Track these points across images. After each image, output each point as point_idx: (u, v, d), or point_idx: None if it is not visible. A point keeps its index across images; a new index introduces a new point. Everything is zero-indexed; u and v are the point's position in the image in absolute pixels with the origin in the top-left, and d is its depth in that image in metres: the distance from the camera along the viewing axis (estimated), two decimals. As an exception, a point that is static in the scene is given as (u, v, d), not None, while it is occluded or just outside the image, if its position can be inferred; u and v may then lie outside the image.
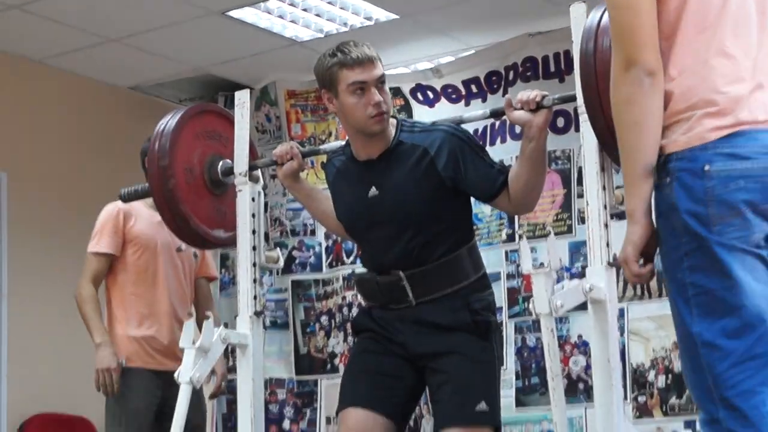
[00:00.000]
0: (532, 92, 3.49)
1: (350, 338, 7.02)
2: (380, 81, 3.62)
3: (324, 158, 4.24)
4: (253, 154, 4.07)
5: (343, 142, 3.86)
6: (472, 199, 3.77)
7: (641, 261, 2.61)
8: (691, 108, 2.54)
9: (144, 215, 4.84)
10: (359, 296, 3.80)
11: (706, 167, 2.49)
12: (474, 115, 3.90)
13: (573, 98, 3.39)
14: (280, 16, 6.67)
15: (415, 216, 3.61)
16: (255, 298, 3.88)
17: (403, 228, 3.62)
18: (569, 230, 6.24)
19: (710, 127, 2.51)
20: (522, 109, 3.48)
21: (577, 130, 3.49)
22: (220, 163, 4.10)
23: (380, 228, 3.67)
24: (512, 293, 6.48)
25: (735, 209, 2.49)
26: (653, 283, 5.71)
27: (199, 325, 3.78)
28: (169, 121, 4.08)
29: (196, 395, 4.56)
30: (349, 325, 7.01)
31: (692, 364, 2.56)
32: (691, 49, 2.58)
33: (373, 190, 3.66)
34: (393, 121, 3.73)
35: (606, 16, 3.13)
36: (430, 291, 3.62)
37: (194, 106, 4.24)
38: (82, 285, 4.81)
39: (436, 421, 3.65)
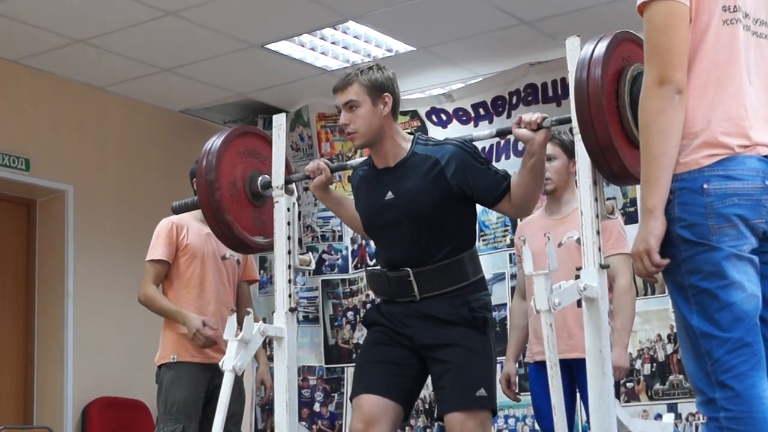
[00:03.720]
0: (534, 114, 3.47)
1: (373, 331, 7.02)
2: (347, 105, 3.67)
3: (350, 173, 4.24)
4: (288, 169, 4.07)
5: (366, 157, 3.88)
6: (480, 209, 3.76)
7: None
8: (692, 136, 2.57)
9: (194, 228, 4.82)
10: (370, 290, 3.78)
11: (705, 186, 2.53)
12: (482, 134, 3.86)
13: (569, 120, 3.37)
14: (312, 49, 6.68)
15: (424, 217, 3.60)
16: (290, 296, 3.86)
17: (413, 228, 3.61)
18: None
19: (705, 154, 2.55)
20: (526, 128, 3.48)
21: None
22: (260, 178, 4.07)
23: (394, 227, 3.66)
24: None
25: (730, 221, 2.53)
26: (639, 283, 5.66)
27: (240, 322, 3.77)
28: (215, 141, 4.07)
29: (237, 385, 4.53)
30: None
31: (693, 353, 2.57)
32: (700, 82, 2.60)
33: (390, 194, 3.67)
34: (410, 137, 3.76)
35: (598, 48, 3.14)
36: (433, 288, 3.61)
37: (237, 128, 4.22)
38: (145, 287, 4.77)
39: (440, 406, 3.61)
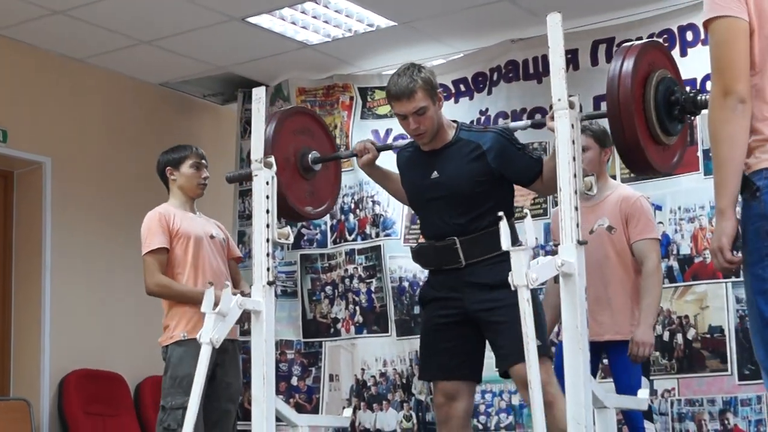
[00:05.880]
0: None
1: (351, 306, 7.03)
2: (416, 112, 4.00)
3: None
4: (332, 147, 4.52)
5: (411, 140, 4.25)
6: None
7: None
8: None
9: (179, 214, 4.89)
10: (418, 266, 4.36)
11: None
12: (518, 125, 4.23)
13: (598, 116, 3.54)
14: (293, 23, 6.66)
15: (466, 195, 4.01)
16: (268, 270, 3.87)
17: (457, 204, 4.03)
18: (544, 213, 6.20)
19: None
20: None
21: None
22: (310, 154, 4.30)
23: (439, 203, 4.07)
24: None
25: None
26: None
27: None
28: (269, 127, 4.17)
29: (236, 362, 4.84)
30: (350, 295, 7.03)
31: (760, 337, 2.72)
32: None
33: (435, 174, 4.09)
34: (453, 123, 4.18)
35: (626, 65, 3.38)
36: (477, 254, 3.98)
37: (287, 109, 4.47)
38: (154, 277, 4.76)
39: (503, 363, 3.95)
